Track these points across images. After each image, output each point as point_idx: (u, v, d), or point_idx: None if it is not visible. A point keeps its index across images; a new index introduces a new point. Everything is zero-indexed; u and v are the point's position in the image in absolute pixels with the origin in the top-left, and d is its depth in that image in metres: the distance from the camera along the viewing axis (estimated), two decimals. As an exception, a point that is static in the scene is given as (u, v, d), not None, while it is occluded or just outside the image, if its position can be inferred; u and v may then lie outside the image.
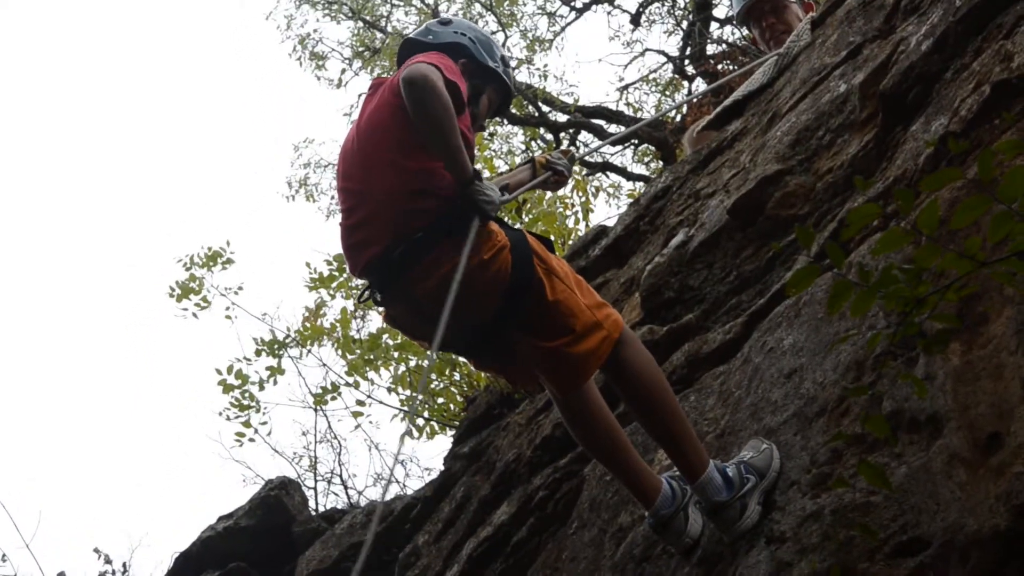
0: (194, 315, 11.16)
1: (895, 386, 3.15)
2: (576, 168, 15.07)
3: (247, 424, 10.13)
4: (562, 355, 3.54)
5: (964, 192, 3.10)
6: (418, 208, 3.50)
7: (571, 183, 4.64)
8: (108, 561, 13.09)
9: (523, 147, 16.77)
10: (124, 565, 12.96)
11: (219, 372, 9.96)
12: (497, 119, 16.38)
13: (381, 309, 3.83)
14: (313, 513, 8.03)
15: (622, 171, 16.00)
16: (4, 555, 13.04)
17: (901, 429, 3.07)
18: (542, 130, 15.95)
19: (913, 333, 2.33)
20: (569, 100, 16.18)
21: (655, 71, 16.37)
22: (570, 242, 9.72)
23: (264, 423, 10.38)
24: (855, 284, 2.28)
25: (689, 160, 5.58)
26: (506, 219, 4.46)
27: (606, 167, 15.66)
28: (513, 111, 16.06)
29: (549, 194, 11.91)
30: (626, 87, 16.30)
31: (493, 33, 15.84)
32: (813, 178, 4.35)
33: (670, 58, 16.10)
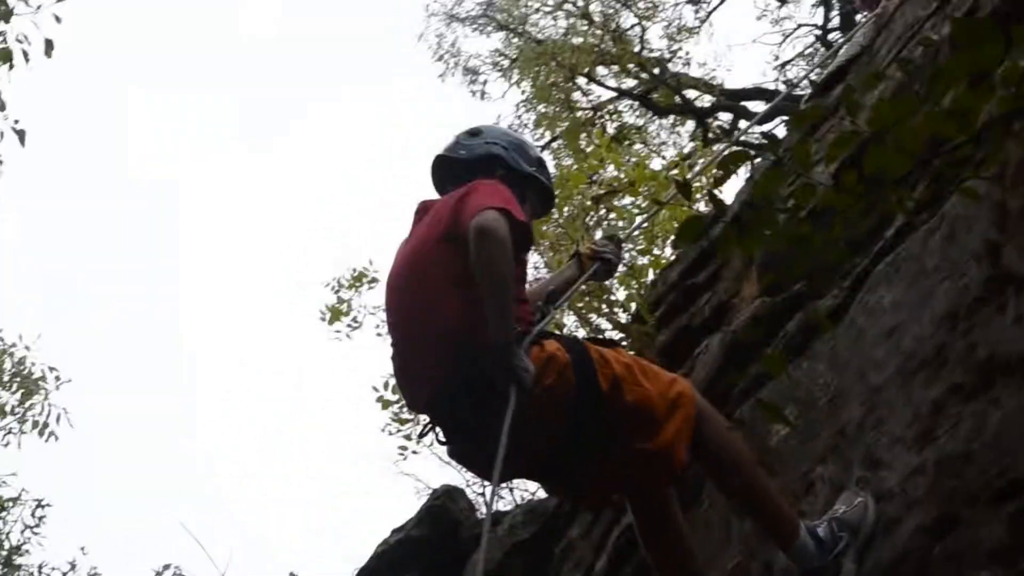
0: (347, 336, 11.55)
1: (988, 331, 3.11)
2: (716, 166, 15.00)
3: (408, 438, 10.40)
4: (648, 452, 3.42)
5: None
6: (478, 339, 3.33)
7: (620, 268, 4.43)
8: (293, 576, 13.51)
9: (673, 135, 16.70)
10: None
11: (375, 389, 10.17)
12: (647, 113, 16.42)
13: (444, 446, 3.64)
14: (480, 517, 8.16)
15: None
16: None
17: (996, 373, 3.03)
18: (687, 121, 15.92)
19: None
20: (714, 85, 16.13)
21: (809, 48, 16.26)
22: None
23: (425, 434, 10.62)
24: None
25: (798, 130, 5.53)
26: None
27: (759, 148, 15.48)
28: (658, 102, 16.09)
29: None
30: (783, 66, 16.23)
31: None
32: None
33: (821, 29, 15.96)
